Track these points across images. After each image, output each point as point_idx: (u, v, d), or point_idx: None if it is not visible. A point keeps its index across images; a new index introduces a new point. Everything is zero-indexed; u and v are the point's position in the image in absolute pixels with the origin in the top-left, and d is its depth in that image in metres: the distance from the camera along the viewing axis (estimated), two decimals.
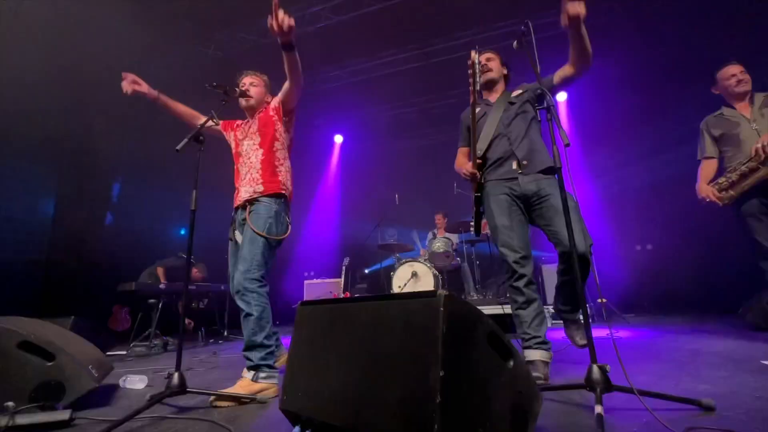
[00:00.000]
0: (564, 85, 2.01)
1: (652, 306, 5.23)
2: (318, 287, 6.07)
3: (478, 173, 2.10)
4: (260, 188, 2.02)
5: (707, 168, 2.80)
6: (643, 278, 5.39)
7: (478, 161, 2.11)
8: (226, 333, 4.86)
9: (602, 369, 1.30)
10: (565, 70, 1.96)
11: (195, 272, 4.82)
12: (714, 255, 4.89)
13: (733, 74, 2.71)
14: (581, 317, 1.53)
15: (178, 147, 1.68)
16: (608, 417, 1.26)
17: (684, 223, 5.04)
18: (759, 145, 2.42)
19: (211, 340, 4.58)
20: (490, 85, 2.27)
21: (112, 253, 5.79)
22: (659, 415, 1.15)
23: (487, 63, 2.22)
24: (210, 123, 1.96)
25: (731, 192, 2.59)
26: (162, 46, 5.17)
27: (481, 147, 2.13)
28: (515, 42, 1.86)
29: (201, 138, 1.80)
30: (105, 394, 1.96)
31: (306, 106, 7.15)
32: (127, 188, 6.03)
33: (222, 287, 4.84)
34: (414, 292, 0.98)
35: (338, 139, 7.91)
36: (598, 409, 1.14)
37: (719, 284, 4.70)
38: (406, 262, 4.69)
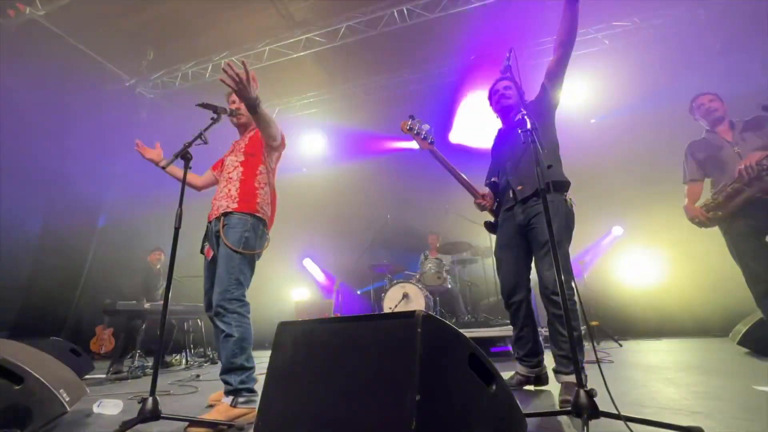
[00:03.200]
0: (561, 61, 2.10)
1: (646, 328, 5.19)
2: (308, 307, 5.96)
3: (484, 202, 2.26)
4: (234, 204, 1.92)
5: (693, 190, 2.87)
6: (638, 300, 5.36)
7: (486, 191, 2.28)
8: (212, 355, 4.71)
9: (589, 394, 1.27)
10: (558, 51, 2.08)
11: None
12: (708, 277, 4.90)
13: (702, 104, 2.86)
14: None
15: (163, 164, 1.67)
16: None
17: (681, 243, 5.06)
18: (742, 167, 2.47)
19: (195, 363, 4.43)
20: (506, 111, 2.34)
21: (98, 273, 5.68)
22: None
23: (505, 91, 2.32)
24: (198, 141, 1.95)
25: (719, 213, 2.64)
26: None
27: (492, 178, 2.25)
28: (501, 68, 1.91)
29: (188, 156, 1.79)
30: (76, 420, 1.86)
31: (300, 128, 7.23)
32: (114, 206, 5.97)
33: None
34: (392, 313, 0.96)
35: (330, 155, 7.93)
36: None
37: (712, 307, 4.69)
38: (398, 283, 4.64)
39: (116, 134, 5.85)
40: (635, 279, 5.55)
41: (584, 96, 6.08)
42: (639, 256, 5.59)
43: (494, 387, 1.00)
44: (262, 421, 1.14)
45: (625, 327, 5.15)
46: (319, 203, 7.44)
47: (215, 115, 1.94)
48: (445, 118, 6.67)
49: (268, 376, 1.20)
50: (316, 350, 1.11)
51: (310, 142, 7.55)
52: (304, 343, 1.16)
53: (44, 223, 5.21)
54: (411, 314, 0.89)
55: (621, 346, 4.20)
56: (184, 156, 1.79)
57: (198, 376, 3.40)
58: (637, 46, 5.45)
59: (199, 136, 1.86)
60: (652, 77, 5.52)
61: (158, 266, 4.80)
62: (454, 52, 5.81)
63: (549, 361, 2.07)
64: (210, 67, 5.86)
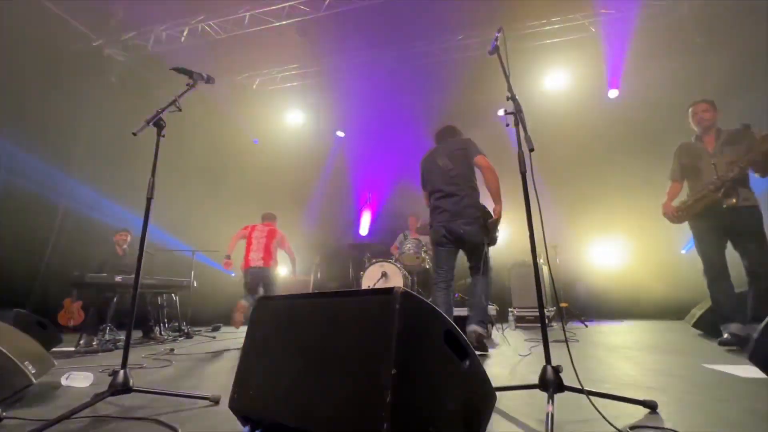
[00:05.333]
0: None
1: (611, 310, 5.46)
2: (286, 284, 5.95)
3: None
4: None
5: (673, 189, 3.15)
6: (604, 284, 5.62)
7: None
8: (187, 330, 4.66)
9: (555, 370, 1.33)
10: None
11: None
12: (668, 265, 5.17)
13: (696, 112, 3.04)
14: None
15: (135, 131, 1.58)
16: (558, 416, 1.28)
17: (648, 230, 5.29)
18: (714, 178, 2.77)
19: (169, 337, 4.38)
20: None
21: (64, 243, 5.45)
22: (607, 414, 1.18)
23: None
24: (172, 108, 1.85)
25: (686, 212, 2.98)
26: None
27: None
28: (489, 48, 1.88)
29: (161, 123, 1.70)
30: (43, 393, 1.81)
31: (282, 101, 7.01)
32: (81, 173, 5.67)
33: (184, 282, 4.64)
34: (371, 289, 0.96)
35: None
36: (549, 408, 1.16)
37: (671, 293, 4.98)
38: (377, 261, 4.68)
39: (82, 99, 5.51)
40: (602, 265, 5.80)
41: (564, 82, 6.14)
42: (606, 244, 5.82)
43: (467, 362, 1.02)
44: (237, 394, 1.14)
45: (592, 309, 5.41)
46: (297, 179, 7.30)
47: (191, 81, 1.84)
48: (430, 98, 6.60)
49: (244, 352, 1.20)
50: (294, 325, 1.10)
51: (292, 117, 7.35)
52: (282, 317, 1.15)
53: (5, 192, 4.90)
54: (389, 291, 0.89)
55: (587, 326, 4.42)
56: (157, 123, 1.70)
57: (172, 350, 3.37)
58: (622, 34, 5.50)
59: (173, 102, 1.76)
60: (632, 66, 5.62)
61: (124, 246, 4.63)
62: (444, 30, 5.69)
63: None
64: (186, 31, 5.53)
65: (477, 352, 2.43)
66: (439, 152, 3.01)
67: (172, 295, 4.74)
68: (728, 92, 4.73)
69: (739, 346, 2.54)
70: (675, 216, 3.00)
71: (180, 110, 1.75)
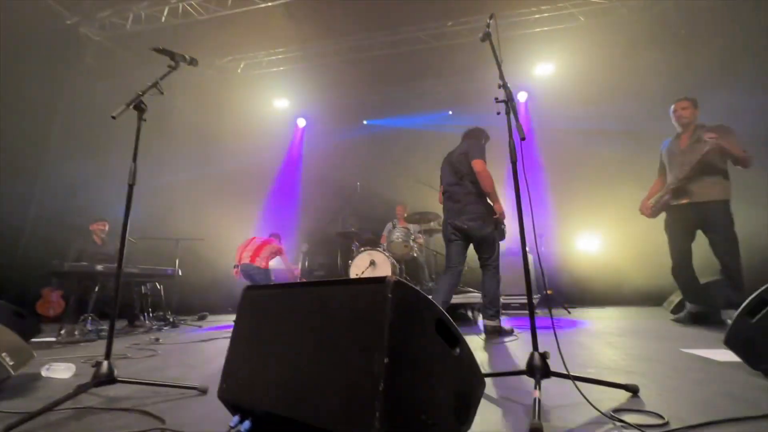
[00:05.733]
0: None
1: (595, 298, 5.60)
2: (274, 273, 5.91)
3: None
4: None
5: (655, 186, 3.33)
6: (587, 271, 5.74)
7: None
8: (172, 319, 4.60)
9: (543, 356, 1.35)
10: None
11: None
12: (649, 253, 5.30)
13: (675, 109, 3.16)
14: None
15: (114, 114, 1.51)
16: (545, 401, 1.31)
17: (630, 219, 5.40)
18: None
19: (155, 326, 4.32)
20: None
21: (41, 231, 5.27)
22: (591, 398, 1.21)
23: None
24: (154, 91, 1.78)
25: (657, 209, 3.23)
26: None
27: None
28: (481, 34, 1.86)
29: (143, 106, 1.63)
30: (23, 385, 1.77)
31: (268, 86, 6.85)
32: (56, 158, 5.45)
33: (169, 271, 4.56)
34: (362, 278, 0.95)
35: (301, 122, 7.67)
36: (536, 393, 1.18)
37: (651, 280, 5.12)
38: (365, 250, 4.67)
39: (57, 81, 5.26)
40: (585, 253, 5.92)
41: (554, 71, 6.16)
42: (589, 233, 5.94)
43: (458, 350, 1.03)
44: (227, 383, 1.12)
45: (575, 296, 5.54)
46: (284, 166, 7.19)
47: (173, 63, 1.77)
48: (419, 85, 6.54)
49: (233, 341, 1.18)
50: (284, 314, 1.09)
51: (279, 103, 7.20)
52: (270, 307, 1.14)
53: None
54: (382, 280, 0.88)
55: (570, 313, 4.53)
56: (138, 107, 1.63)
57: (157, 339, 3.32)
58: (610, 24, 5.52)
59: (155, 85, 1.69)
60: (619, 57, 5.67)
61: (103, 236, 4.50)
62: (434, 16, 5.61)
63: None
64: (166, 11, 5.32)
65: (507, 338, 2.75)
66: (453, 153, 3.19)
67: (156, 284, 4.66)
68: (711, 84, 4.84)
69: (690, 323, 3.07)
70: (648, 214, 3.26)
71: (162, 93, 1.68)
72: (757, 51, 4.72)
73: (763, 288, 1.56)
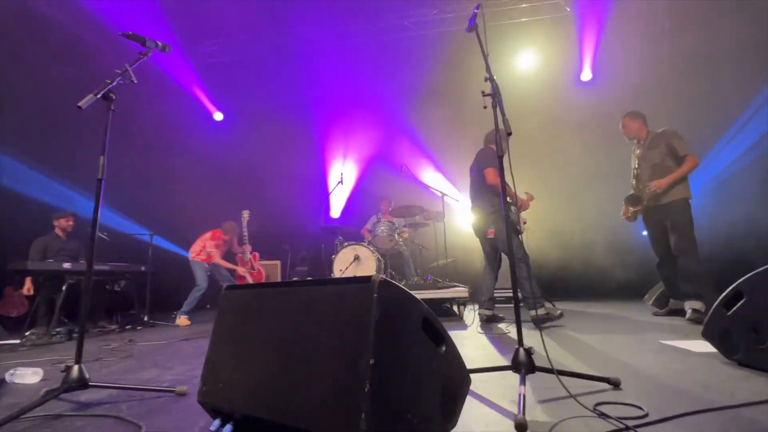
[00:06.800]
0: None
1: (577, 291, 5.76)
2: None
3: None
4: None
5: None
6: (572, 265, 5.89)
7: None
8: (146, 318, 4.50)
9: (528, 351, 1.39)
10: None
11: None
12: (634, 245, 5.49)
13: (621, 127, 3.50)
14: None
15: (81, 103, 1.45)
16: (530, 395, 1.35)
17: (614, 212, 5.57)
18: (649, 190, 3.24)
19: (128, 327, 4.22)
20: None
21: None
22: (575, 392, 1.26)
23: None
24: (124, 79, 1.71)
25: (633, 215, 3.48)
26: None
27: None
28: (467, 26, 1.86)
29: (110, 96, 1.57)
30: None
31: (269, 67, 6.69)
32: (15, 149, 5.21)
33: (142, 268, 4.45)
34: (347, 278, 0.95)
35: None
36: (521, 389, 1.21)
37: (634, 273, 5.31)
38: (349, 245, 4.66)
39: (15, 65, 5.00)
40: (569, 246, 6.05)
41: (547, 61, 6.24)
42: (573, 226, 6.07)
43: (444, 348, 1.05)
44: (207, 386, 1.11)
45: (559, 290, 5.68)
46: (263, 158, 7.06)
47: (144, 49, 1.71)
48: (402, 75, 6.49)
49: (213, 342, 1.17)
50: (266, 315, 1.08)
51: (257, 91, 7.03)
52: (253, 308, 1.13)
53: None
54: (367, 279, 0.88)
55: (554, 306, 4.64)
56: (106, 96, 1.57)
57: (131, 340, 3.25)
58: (597, 15, 5.61)
59: (124, 72, 1.63)
60: (604, 49, 5.78)
61: (69, 231, 4.31)
62: (418, 4, 5.58)
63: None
64: None
65: (550, 323, 3.00)
66: (474, 161, 3.46)
67: (130, 282, 4.54)
68: (694, 74, 5.01)
69: (666, 315, 3.32)
70: (628, 218, 3.50)
71: (134, 81, 1.62)
72: (740, 45, 4.89)
73: (738, 282, 1.64)
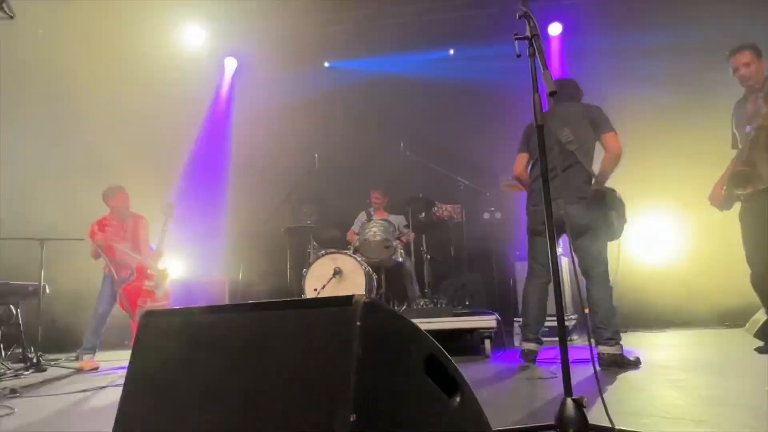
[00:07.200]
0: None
1: (654, 318, 5.79)
2: (193, 288, 5.86)
3: None
4: None
5: (732, 163, 3.42)
6: (643, 283, 5.93)
7: None
8: (35, 359, 4.45)
9: (578, 403, 1.40)
10: None
11: None
12: (728, 258, 5.53)
13: (735, 68, 3.25)
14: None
15: None
16: None
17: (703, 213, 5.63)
18: None
19: (10, 371, 4.18)
20: None
21: None
22: None
23: None
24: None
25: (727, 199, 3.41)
26: None
27: None
28: None
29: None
30: None
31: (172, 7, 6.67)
32: None
33: (30, 288, 4.43)
34: (319, 299, 0.95)
35: (230, 64, 7.51)
36: None
37: (734, 294, 5.35)
38: (327, 254, 4.67)
39: None
40: (641, 259, 6.09)
41: None
42: (647, 231, 6.10)
43: (458, 398, 1.05)
44: None
45: (626, 316, 5.72)
46: (202, 134, 7.05)
47: None
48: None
49: (128, 388, 1.16)
50: (202, 351, 1.08)
51: (192, 34, 7.02)
52: (183, 340, 1.13)
53: None
54: (348, 300, 0.88)
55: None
56: None
57: (14, 390, 3.22)
58: None
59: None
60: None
61: None
62: None
63: None
64: None
65: (628, 369, 2.92)
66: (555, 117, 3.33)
67: (11, 306, 4.52)
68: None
69: None
70: (719, 204, 3.42)
71: (11, 16, 1.61)
72: None
73: None
